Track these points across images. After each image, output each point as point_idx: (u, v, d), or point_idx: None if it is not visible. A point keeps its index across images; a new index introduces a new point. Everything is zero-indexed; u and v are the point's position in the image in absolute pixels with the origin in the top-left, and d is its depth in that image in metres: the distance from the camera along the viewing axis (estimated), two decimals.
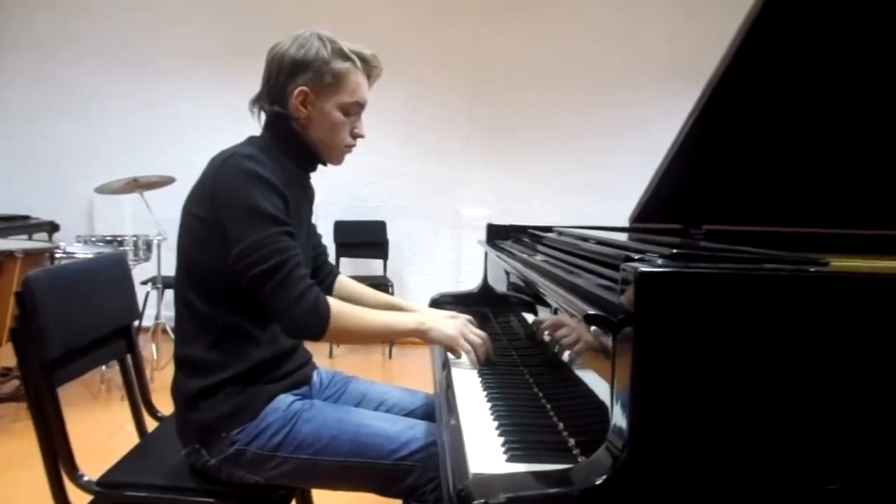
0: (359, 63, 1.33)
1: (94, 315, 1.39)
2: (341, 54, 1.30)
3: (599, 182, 4.48)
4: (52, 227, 4.16)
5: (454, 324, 1.34)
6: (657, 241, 1.55)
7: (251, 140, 1.34)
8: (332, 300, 1.24)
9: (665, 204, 1.66)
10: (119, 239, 3.30)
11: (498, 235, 2.04)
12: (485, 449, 0.91)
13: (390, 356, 4.21)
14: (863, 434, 0.70)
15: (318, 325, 1.19)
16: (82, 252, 2.96)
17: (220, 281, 1.25)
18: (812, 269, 0.78)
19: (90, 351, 1.39)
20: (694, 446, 0.68)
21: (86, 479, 1.24)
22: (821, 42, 1.20)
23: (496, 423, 1.00)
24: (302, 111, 1.31)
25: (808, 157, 1.47)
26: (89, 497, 1.25)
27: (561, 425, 0.99)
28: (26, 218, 4.08)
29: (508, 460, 0.87)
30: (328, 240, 4.46)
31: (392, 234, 4.54)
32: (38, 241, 3.20)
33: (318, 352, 4.41)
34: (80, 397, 3.10)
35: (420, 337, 1.33)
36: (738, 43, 1.16)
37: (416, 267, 4.65)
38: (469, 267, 4.48)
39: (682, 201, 1.67)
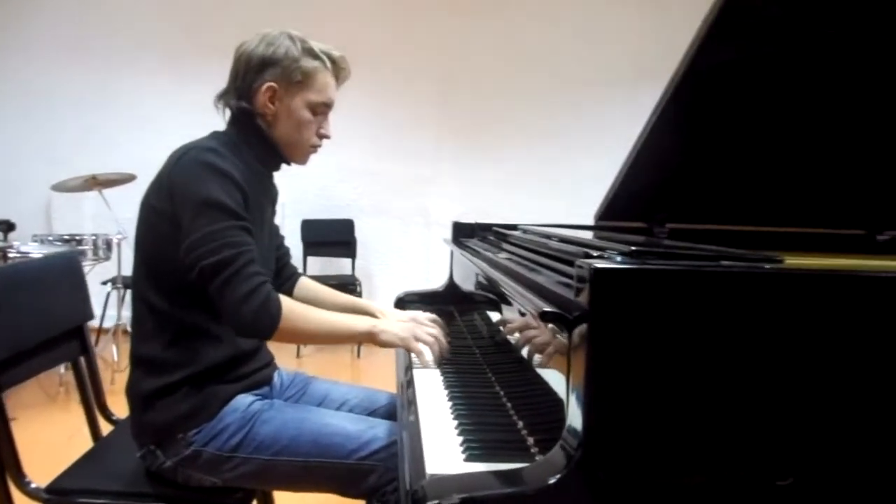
0: (328, 63, 1.32)
1: (43, 316, 1.34)
2: (311, 53, 1.29)
3: (567, 181, 4.51)
4: (7, 227, 4.00)
5: (406, 326, 1.29)
6: (619, 238, 1.56)
7: (214, 135, 1.32)
8: (284, 299, 1.19)
9: (629, 202, 1.67)
10: (77, 238, 3.21)
11: (463, 234, 2.04)
12: (443, 448, 0.90)
13: (359, 355, 4.18)
14: (816, 430, 0.70)
15: (267, 323, 1.15)
16: (37, 252, 2.87)
17: (179, 277, 1.21)
18: (767, 267, 0.79)
19: (39, 353, 1.34)
20: (649, 445, 0.68)
21: (33, 486, 1.20)
22: (782, 39, 1.22)
23: (456, 423, 0.99)
24: (269, 108, 1.29)
25: (772, 156, 1.49)
26: None
27: (521, 424, 0.98)
28: None
29: (466, 460, 0.86)
30: (296, 238, 4.42)
31: (360, 233, 4.51)
32: None
33: (285, 351, 4.39)
34: (36, 399, 3.02)
35: (371, 340, 1.27)
36: (699, 41, 1.17)
37: (385, 266, 4.62)
38: (438, 265, 4.46)
39: (646, 200, 1.68)
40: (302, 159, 1.39)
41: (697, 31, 1.17)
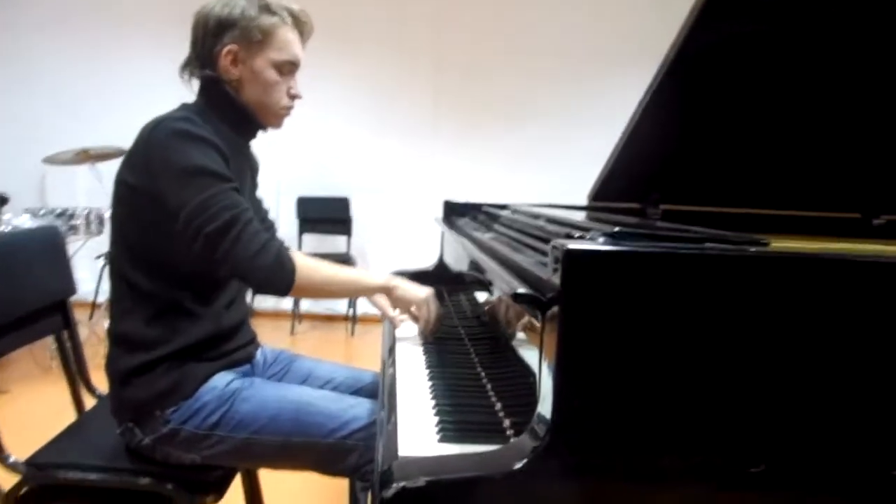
0: (288, 18, 1.27)
1: (23, 290, 1.33)
2: (268, 9, 1.25)
3: (566, 160, 4.46)
4: (1, 200, 4.00)
5: (423, 288, 1.35)
6: (608, 219, 1.54)
7: (184, 106, 1.27)
8: (295, 253, 1.20)
9: (622, 183, 1.66)
10: (70, 212, 3.19)
11: (455, 212, 2.02)
12: (418, 429, 0.89)
13: (352, 333, 4.18)
14: (787, 417, 0.69)
15: (283, 277, 1.16)
16: (29, 225, 2.85)
17: (158, 254, 1.20)
18: (750, 250, 0.77)
19: (20, 327, 1.32)
20: (618, 432, 0.67)
21: (12, 459, 1.19)
22: (778, 17, 1.19)
23: (433, 403, 0.98)
24: (233, 71, 1.25)
25: (767, 137, 1.46)
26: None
27: (499, 405, 0.97)
28: None
29: (441, 441, 0.85)
30: (291, 216, 4.40)
31: (356, 211, 4.48)
32: None
33: (279, 329, 4.38)
34: (29, 372, 3.02)
35: (387, 293, 1.34)
36: (693, 18, 1.14)
37: (380, 244, 4.60)
38: (433, 244, 4.45)
39: (639, 181, 1.66)
40: (276, 122, 1.34)
41: (691, 8, 1.15)
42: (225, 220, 1.12)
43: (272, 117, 1.33)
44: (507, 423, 0.90)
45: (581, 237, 0.85)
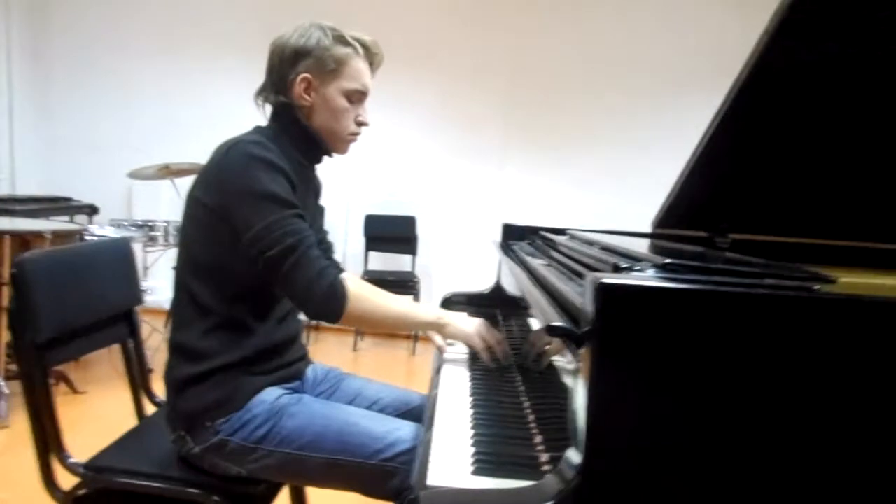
0: (360, 49, 1.32)
1: (92, 299, 1.39)
2: (342, 40, 1.30)
3: (637, 185, 4.35)
4: (91, 210, 4.27)
5: (472, 321, 1.35)
6: (669, 248, 1.48)
7: (257, 129, 1.34)
8: (352, 283, 1.24)
9: (689, 210, 1.59)
10: (150, 224, 3.36)
11: (513, 236, 2.00)
12: (453, 459, 0.87)
13: (414, 352, 4.20)
14: (836, 474, 0.63)
15: (335, 305, 1.19)
16: (112, 235, 3.02)
17: (221, 269, 1.25)
18: (810, 287, 0.71)
19: (87, 334, 1.39)
20: (652, 482, 0.62)
21: (72, 461, 1.24)
22: (858, 38, 1.12)
23: (472, 432, 0.96)
24: (305, 99, 1.31)
25: (843, 166, 1.38)
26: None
27: (539, 439, 0.94)
28: (68, 199, 4.21)
29: (474, 473, 0.82)
30: (358, 233, 4.48)
31: (422, 231, 4.52)
32: (66, 223, 3.28)
33: (342, 344, 4.45)
34: (106, 375, 3.17)
35: (438, 331, 1.35)
36: (766, 41, 1.08)
37: (445, 264, 4.61)
38: (496, 266, 4.43)
39: (707, 208, 1.59)
40: (342, 148, 1.39)
41: (765, 29, 1.09)
42: (286, 245, 1.17)
43: (340, 143, 1.37)
44: (544, 458, 0.87)
45: (629, 268, 0.81)
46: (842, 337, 0.63)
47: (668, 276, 0.74)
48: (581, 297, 0.83)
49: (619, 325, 0.62)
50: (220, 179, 1.21)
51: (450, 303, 1.94)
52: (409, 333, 4.28)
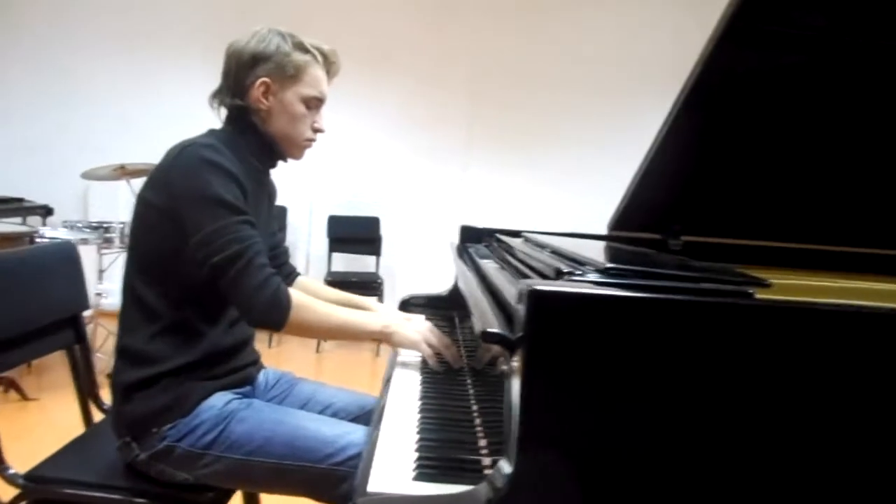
0: (319, 57, 1.33)
1: (37, 304, 1.36)
2: (301, 47, 1.31)
3: (601, 185, 4.39)
4: (45, 211, 4.16)
5: (418, 328, 1.32)
6: (619, 251, 1.51)
7: (211, 132, 1.33)
8: (297, 294, 1.22)
9: (643, 213, 1.61)
10: (105, 225, 3.28)
11: (470, 238, 2.00)
12: (397, 464, 0.87)
13: (378, 354, 4.18)
14: (766, 478, 0.65)
15: (278, 315, 1.18)
16: (64, 237, 2.94)
17: (170, 272, 1.23)
18: (744, 291, 0.73)
19: (32, 340, 1.36)
20: (581, 491, 0.62)
21: (11, 472, 1.21)
22: (801, 45, 1.15)
23: (417, 437, 0.96)
24: (263, 103, 1.30)
25: (792, 168, 1.41)
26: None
27: (484, 443, 0.94)
28: (20, 200, 4.09)
29: (416, 478, 0.82)
30: (321, 235, 4.45)
31: (386, 231, 4.50)
32: (16, 225, 3.19)
33: (305, 347, 4.40)
34: (59, 381, 3.09)
35: (383, 340, 1.32)
36: (711, 46, 1.11)
37: (409, 265, 4.61)
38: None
39: (660, 211, 1.62)
40: (297, 154, 1.39)
41: (710, 36, 1.12)
42: (232, 252, 1.16)
43: (295, 148, 1.37)
44: (488, 461, 0.87)
45: (570, 273, 0.82)
46: (762, 342, 0.65)
47: (606, 281, 0.75)
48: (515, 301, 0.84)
49: (548, 332, 0.62)
50: (171, 181, 1.20)
51: (408, 305, 1.94)
52: None
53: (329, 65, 1.35)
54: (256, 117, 1.32)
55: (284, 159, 1.40)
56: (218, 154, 1.20)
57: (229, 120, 1.34)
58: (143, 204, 1.25)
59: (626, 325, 0.64)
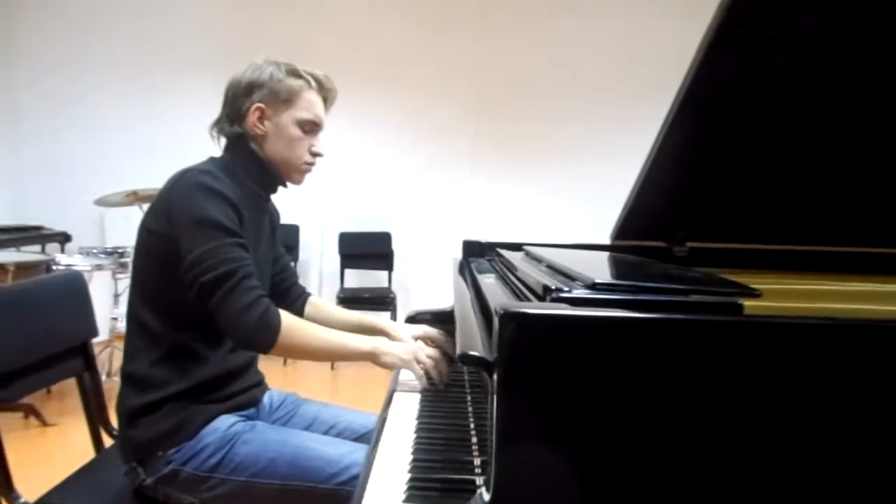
0: (313, 83, 1.36)
1: (46, 333, 1.39)
2: (295, 73, 1.34)
3: (608, 194, 4.38)
4: (63, 238, 4.24)
5: (407, 348, 1.32)
6: (614, 262, 1.50)
7: (210, 160, 1.36)
8: (286, 315, 1.23)
9: (646, 221, 1.61)
10: (120, 250, 3.34)
11: (473, 252, 2.00)
12: (390, 485, 0.87)
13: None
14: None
15: (266, 337, 1.19)
16: (80, 264, 3.00)
17: (172, 297, 1.25)
18: (734, 303, 0.73)
19: (42, 369, 1.39)
20: None
21: (22, 501, 1.23)
22: (797, 49, 1.14)
23: (411, 458, 0.96)
24: (259, 128, 1.33)
25: (796, 171, 1.40)
26: None
27: (477, 462, 0.95)
28: (39, 228, 4.17)
29: (406, 500, 0.83)
30: (333, 251, 4.48)
31: (397, 246, 4.52)
32: (35, 253, 3.25)
33: (320, 365, 4.38)
34: (77, 406, 3.14)
35: (373, 361, 1.31)
36: (703, 51, 1.10)
37: (421, 279, 4.62)
38: None
39: (664, 218, 1.61)
40: (297, 178, 1.41)
41: (700, 44, 1.12)
42: (221, 272, 1.17)
43: (294, 172, 1.39)
44: (480, 481, 0.88)
45: (558, 289, 0.82)
46: (744, 357, 0.64)
47: (593, 297, 0.75)
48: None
49: (521, 354, 0.62)
50: (168, 207, 1.22)
51: (415, 320, 1.94)
52: None
53: (325, 91, 1.38)
54: (254, 143, 1.35)
55: (284, 184, 1.42)
56: (214, 179, 1.23)
57: (228, 147, 1.37)
58: (145, 231, 1.28)
59: (601, 346, 0.63)
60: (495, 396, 0.63)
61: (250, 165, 1.35)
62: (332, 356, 1.35)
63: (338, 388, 3.85)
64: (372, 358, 1.30)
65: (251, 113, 1.32)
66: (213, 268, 1.17)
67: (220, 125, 1.37)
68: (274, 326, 1.19)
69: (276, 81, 1.32)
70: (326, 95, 1.39)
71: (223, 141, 1.38)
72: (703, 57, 1.11)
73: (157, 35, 4.59)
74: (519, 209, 4.54)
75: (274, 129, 1.34)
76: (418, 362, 1.29)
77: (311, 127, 1.37)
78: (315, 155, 1.40)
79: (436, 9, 4.48)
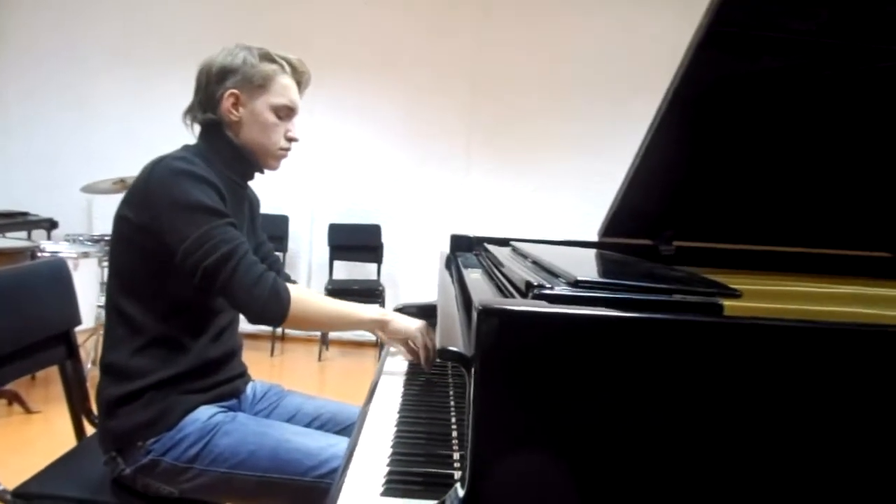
0: (287, 67, 1.34)
1: (29, 321, 1.38)
2: (268, 58, 1.32)
3: (602, 191, 4.39)
4: (50, 225, 4.20)
5: (415, 321, 1.36)
6: (601, 260, 1.51)
7: (185, 147, 1.34)
8: (291, 286, 1.25)
9: (633, 219, 1.61)
10: (106, 238, 3.32)
11: (461, 247, 2.00)
12: (369, 479, 0.87)
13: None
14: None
15: (278, 308, 1.20)
16: (66, 251, 2.97)
17: (152, 286, 1.24)
18: (714, 302, 0.73)
19: (25, 357, 1.37)
20: None
21: (0, 488, 1.22)
22: (784, 49, 1.14)
23: (390, 451, 0.96)
24: (234, 114, 1.32)
25: (783, 172, 1.41)
26: None
27: (457, 456, 0.95)
28: (25, 214, 4.13)
29: (384, 494, 0.83)
30: (322, 243, 4.47)
31: (387, 239, 4.51)
32: (20, 239, 3.22)
33: (307, 356, 4.40)
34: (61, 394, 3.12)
35: (380, 328, 1.35)
36: (692, 51, 1.10)
37: (410, 272, 4.61)
38: None
39: (651, 217, 1.62)
40: (273, 163, 1.40)
41: (689, 43, 1.11)
42: (222, 253, 1.17)
43: (270, 158, 1.38)
44: (457, 475, 0.88)
45: (541, 286, 0.82)
46: (715, 359, 0.64)
47: (574, 294, 0.75)
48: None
49: (498, 350, 0.62)
50: (148, 196, 1.21)
51: (401, 313, 1.94)
52: (375, 342, 4.27)
53: (298, 75, 1.36)
54: (229, 130, 1.33)
55: (260, 170, 1.41)
56: (190, 164, 1.22)
57: (202, 135, 1.36)
58: (122, 222, 1.26)
59: (580, 344, 0.63)
60: (473, 392, 0.63)
61: (225, 152, 1.34)
62: (342, 324, 1.37)
63: (324, 378, 3.86)
64: (381, 325, 1.34)
65: (225, 99, 1.30)
66: (213, 250, 1.16)
67: (192, 112, 1.36)
68: (284, 298, 1.20)
69: (250, 66, 1.30)
70: (300, 79, 1.37)
71: (197, 128, 1.37)
72: (693, 56, 1.11)
73: (145, 23, 4.54)
74: (511, 205, 4.54)
75: (249, 115, 1.32)
76: (423, 338, 1.32)
77: (287, 112, 1.35)
78: (291, 140, 1.38)
79: (435, 4, 4.46)
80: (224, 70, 1.30)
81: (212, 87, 1.31)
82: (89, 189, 3.32)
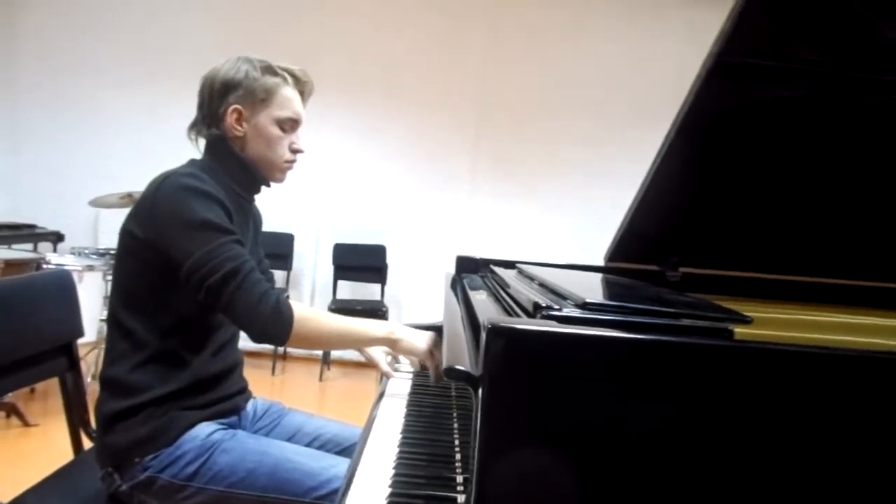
0: (289, 79, 1.34)
1: (31, 332, 1.37)
2: (270, 71, 1.32)
3: (607, 214, 4.40)
4: (56, 237, 4.22)
5: (425, 337, 1.33)
6: (607, 283, 1.50)
7: (191, 162, 1.35)
8: (296, 304, 1.23)
9: (640, 244, 1.61)
10: (112, 251, 3.32)
11: (467, 268, 1.99)
12: (369, 500, 0.86)
13: (381, 382, 4.15)
14: None
15: (281, 327, 1.18)
16: (71, 264, 2.98)
17: (155, 301, 1.24)
18: (724, 329, 0.72)
19: (23, 368, 1.36)
20: None
21: None
22: (791, 80, 1.15)
23: (393, 472, 0.95)
24: (238, 129, 1.32)
25: (790, 201, 1.40)
26: None
27: (460, 479, 0.93)
28: (32, 227, 4.14)
29: None
30: (327, 262, 4.46)
31: (392, 260, 4.51)
32: (26, 251, 3.23)
33: (308, 375, 4.37)
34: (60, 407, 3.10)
35: (390, 346, 1.33)
36: (701, 80, 1.11)
37: (414, 293, 4.60)
38: None
39: (657, 243, 1.61)
40: (279, 176, 1.40)
41: (699, 71, 1.12)
42: (227, 270, 1.16)
43: (276, 171, 1.38)
44: (461, 499, 0.86)
45: (549, 307, 0.82)
46: (731, 381, 0.63)
47: (582, 316, 0.74)
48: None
49: (507, 370, 0.61)
50: (154, 212, 1.20)
51: None
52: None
53: (301, 85, 1.36)
54: (234, 144, 1.33)
55: (267, 184, 1.41)
56: (197, 181, 1.21)
57: (208, 150, 1.35)
58: (128, 236, 1.25)
59: (588, 365, 0.63)
60: (480, 412, 0.62)
61: (231, 167, 1.34)
62: (348, 343, 1.32)
63: (325, 398, 3.83)
64: (390, 343, 1.32)
65: (228, 115, 1.30)
66: (217, 269, 1.15)
67: (197, 128, 1.36)
68: (287, 316, 1.18)
69: (252, 80, 1.30)
70: (303, 89, 1.37)
71: (202, 143, 1.36)
72: (702, 84, 1.12)
73: (156, 39, 4.60)
74: (516, 228, 4.54)
75: (253, 130, 1.32)
76: (432, 355, 1.30)
77: (291, 124, 1.35)
78: (296, 152, 1.38)
79: (444, 27, 4.51)
80: (226, 85, 1.30)
81: (215, 102, 1.31)
82: (97, 203, 3.33)
